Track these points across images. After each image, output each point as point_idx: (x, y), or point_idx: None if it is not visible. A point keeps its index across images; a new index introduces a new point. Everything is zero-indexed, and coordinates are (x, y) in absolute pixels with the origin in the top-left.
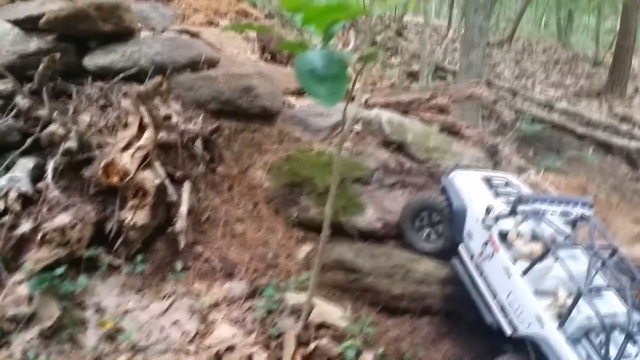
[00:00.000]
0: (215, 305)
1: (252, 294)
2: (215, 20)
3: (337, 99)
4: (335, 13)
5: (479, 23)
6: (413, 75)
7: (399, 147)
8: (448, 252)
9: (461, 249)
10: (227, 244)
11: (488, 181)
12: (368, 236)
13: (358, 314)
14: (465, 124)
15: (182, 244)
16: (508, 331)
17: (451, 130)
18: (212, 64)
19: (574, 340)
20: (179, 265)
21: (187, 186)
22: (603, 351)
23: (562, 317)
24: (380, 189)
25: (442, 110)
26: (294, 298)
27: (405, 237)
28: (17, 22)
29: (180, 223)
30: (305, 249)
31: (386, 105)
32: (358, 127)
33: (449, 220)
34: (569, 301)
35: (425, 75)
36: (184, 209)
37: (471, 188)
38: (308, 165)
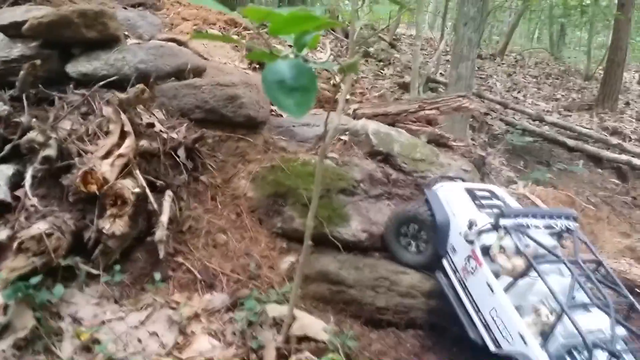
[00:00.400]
0: (195, 316)
1: (233, 305)
2: (204, 29)
3: (305, 110)
4: (303, 24)
5: (468, 35)
6: (404, 87)
7: (386, 158)
8: (432, 265)
9: (445, 262)
10: (208, 254)
11: (472, 193)
12: (352, 247)
13: (341, 327)
14: (453, 135)
15: (161, 253)
16: (492, 348)
17: (438, 142)
18: (198, 72)
19: (557, 358)
20: (158, 275)
21: (168, 195)
22: None
23: (545, 335)
24: (366, 200)
25: (429, 121)
26: (275, 310)
27: (389, 249)
28: (1, 28)
29: (160, 232)
30: (288, 260)
31: (374, 116)
32: (345, 138)
33: (432, 233)
34: (552, 317)
35: (416, 86)
36: (164, 218)
37: (454, 200)
38: (292, 176)
